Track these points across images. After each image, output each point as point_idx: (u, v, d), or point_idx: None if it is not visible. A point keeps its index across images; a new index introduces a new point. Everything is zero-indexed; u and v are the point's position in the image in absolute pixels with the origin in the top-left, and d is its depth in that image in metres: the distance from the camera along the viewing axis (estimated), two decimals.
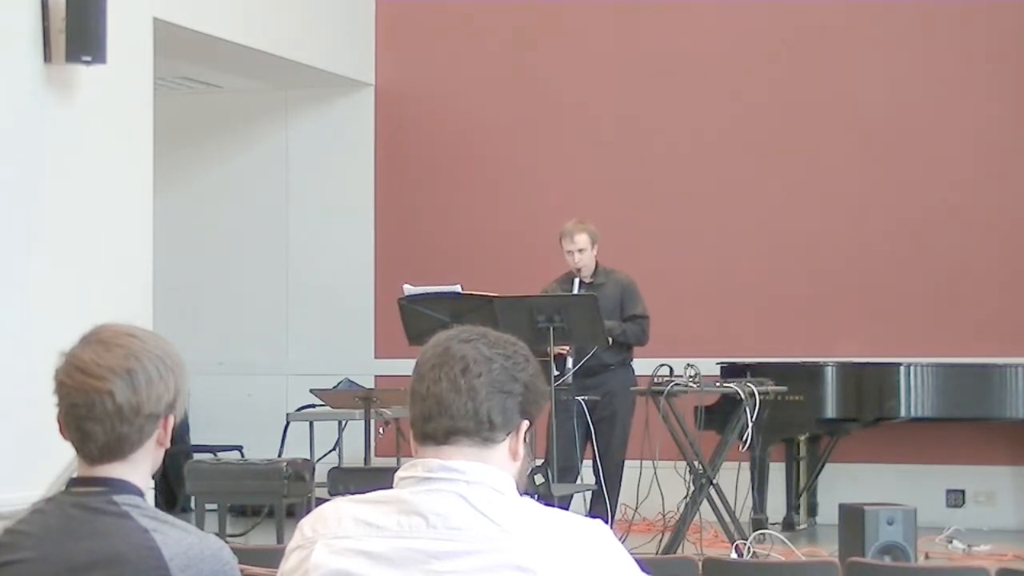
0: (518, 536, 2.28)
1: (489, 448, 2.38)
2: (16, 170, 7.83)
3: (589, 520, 2.37)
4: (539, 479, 7.85)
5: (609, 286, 9.04)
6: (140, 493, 2.53)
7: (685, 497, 8.55)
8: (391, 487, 2.42)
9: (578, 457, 8.94)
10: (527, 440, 2.44)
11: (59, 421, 2.52)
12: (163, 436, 2.55)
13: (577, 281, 9.02)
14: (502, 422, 2.38)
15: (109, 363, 2.49)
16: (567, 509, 6.79)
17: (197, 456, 9.61)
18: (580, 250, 9.02)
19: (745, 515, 9.06)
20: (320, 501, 8.45)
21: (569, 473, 8.81)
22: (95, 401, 2.48)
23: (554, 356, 8.44)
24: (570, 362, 8.76)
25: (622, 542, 2.43)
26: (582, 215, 9.47)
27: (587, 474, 9.15)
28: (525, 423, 2.42)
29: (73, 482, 2.54)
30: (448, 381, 2.37)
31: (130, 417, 2.49)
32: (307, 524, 2.43)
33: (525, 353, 2.45)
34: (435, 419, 2.38)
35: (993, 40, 10.51)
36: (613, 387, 8.93)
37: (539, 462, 8.31)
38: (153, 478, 2.68)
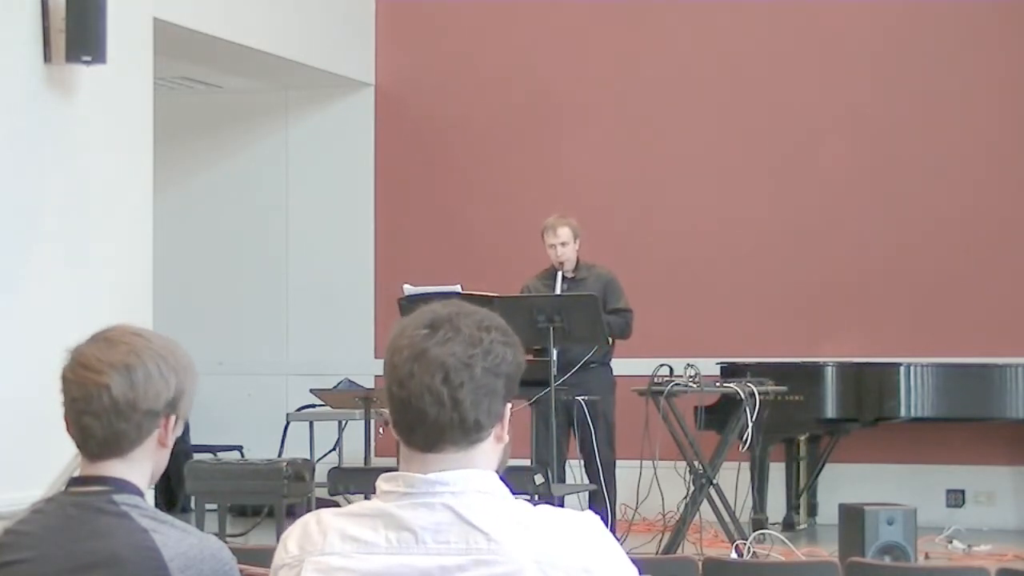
0: (508, 545, 2.26)
1: (476, 446, 2.34)
2: (16, 170, 7.82)
3: (578, 514, 2.33)
4: (539, 479, 7.84)
5: (591, 280, 9.02)
6: (140, 493, 2.53)
7: (685, 497, 8.55)
8: None
9: (564, 454, 8.91)
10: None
11: (65, 418, 2.53)
12: (164, 436, 2.55)
13: (559, 276, 9.00)
14: (488, 422, 2.33)
15: (109, 358, 2.50)
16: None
17: (197, 456, 9.60)
18: (563, 244, 9.00)
19: (745, 515, 9.06)
20: (320, 501, 8.47)
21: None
22: (93, 395, 2.49)
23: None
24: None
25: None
26: (583, 214, 9.47)
27: (578, 475, 9.12)
28: (508, 406, 2.37)
29: (73, 481, 2.55)
30: (430, 394, 2.30)
31: (127, 412, 2.49)
32: (291, 540, 2.37)
33: (502, 339, 2.35)
34: (418, 430, 2.32)
35: (994, 43, 10.50)
36: (593, 386, 8.88)
37: (526, 462, 8.33)
38: None
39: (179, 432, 2.62)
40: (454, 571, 2.26)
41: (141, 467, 2.54)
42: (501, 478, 2.37)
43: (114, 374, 2.49)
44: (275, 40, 10.31)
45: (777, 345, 10.35)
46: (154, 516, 2.49)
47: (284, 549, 2.37)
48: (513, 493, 2.37)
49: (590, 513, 2.35)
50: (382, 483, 2.36)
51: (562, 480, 8.80)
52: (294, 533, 2.38)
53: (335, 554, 2.31)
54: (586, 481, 8.98)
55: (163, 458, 2.59)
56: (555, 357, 8.39)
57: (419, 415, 2.31)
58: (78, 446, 2.54)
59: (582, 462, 9.00)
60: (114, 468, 2.52)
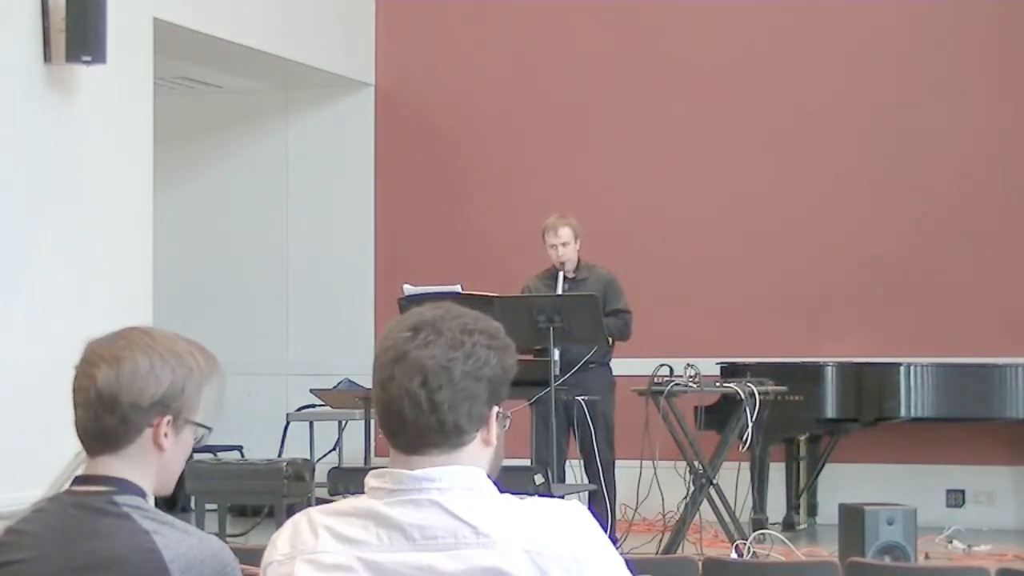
0: (496, 537, 2.26)
1: (460, 449, 2.33)
2: (16, 170, 7.83)
3: (565, 504, 2.33)
4: (539, 479, 7.84)
5: (592, 281, 9.03)
6: (142, 494, 2.52)
7: (685, 497, 8.55)
8: None
9: (564, 454, 8.91)
10: (499, 418, 2.37)
11: None
12: (157, 435, 2.51)
13: (560, 276, 9.00)
14: (469, 425, 2.32)
15: (103, 351, 2.50)
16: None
17: (197, 456, 9.58)
18: (563, 244, 9.01)
19: (745, 515, 9.06)
20: (320, 501, 8.47)
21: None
22: (84, 387, 2.50)
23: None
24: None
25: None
26: (582, 214, 9.47)
27: (578, 475, 9.11)
28: (495, 410, 2.36)
29: (77, 480, 2.54)
30: (408, 398, 2.30)
31: (110, 405, 2.47)
32: (281, 540, 2.38)
33: (487, 342, 2.33)
34: (400, 433, 2.33)
35: (996, 41, 10.50)
36: (593, 386, 8.88)
37: (526, 462, 8.32)
38: None
39: (196, 439, 2.57)
40: (444, 565, 2.26)
41: (141, 467, 2.53)
42: (494, 482, 2.37)
43: (103, 366, 2.49)
44: (275, 40, 10.31)
45: (777, 345, 10.35)
46: (155, 517, 2.48)
47: (274, 547, 2.38)
48: (513, 493, 2.36)
49: (576, 503, 2.35)
50: (370, 479, 2.37)
51: (562, 480, 8.80)
52: (284, 532, 2.39)
53: (327, 552, 2.32)
54: (586, 481, 8.98)
55: (168, 462, 2.54)
56: (556, 357, 8.39)
57: (399, 418, 2.32)
58: (80, 442, 2.55)
59: (582, 462, 9.00)
60: (114, 467, 2.51)
